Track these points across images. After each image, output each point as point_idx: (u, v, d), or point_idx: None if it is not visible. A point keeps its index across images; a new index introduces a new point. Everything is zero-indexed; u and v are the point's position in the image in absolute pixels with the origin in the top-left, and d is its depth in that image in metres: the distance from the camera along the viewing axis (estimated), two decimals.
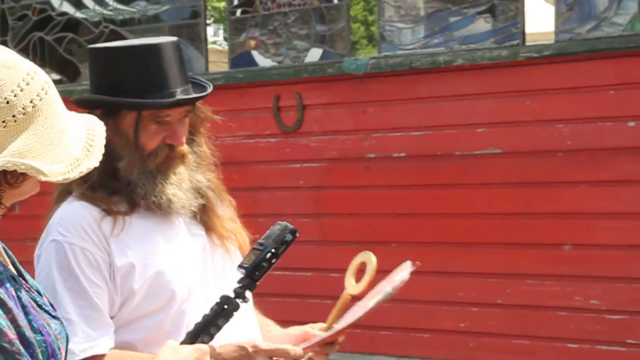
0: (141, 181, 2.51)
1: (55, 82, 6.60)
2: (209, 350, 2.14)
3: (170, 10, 5.93)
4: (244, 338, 2.49)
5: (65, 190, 2.55)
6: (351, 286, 2.73)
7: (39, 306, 1.84)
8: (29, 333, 1.76)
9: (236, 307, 2.24)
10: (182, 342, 2.15)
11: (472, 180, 4.81)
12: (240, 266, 2.39)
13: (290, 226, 2.39)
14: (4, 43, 6.47)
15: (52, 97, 1.79)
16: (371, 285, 2.69)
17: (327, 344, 2.67)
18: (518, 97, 4.70)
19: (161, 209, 2.51)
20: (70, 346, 2.26)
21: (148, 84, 2.50)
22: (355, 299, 2.71)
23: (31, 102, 1.75)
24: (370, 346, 5.08)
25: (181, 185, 2.52)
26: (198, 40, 5.71)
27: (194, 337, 2.22)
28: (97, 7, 6.09)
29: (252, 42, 5.52)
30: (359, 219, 5.12)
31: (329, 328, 2.68)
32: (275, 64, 5.45)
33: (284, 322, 2.73)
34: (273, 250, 2.33)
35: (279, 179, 5.36)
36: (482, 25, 4.88)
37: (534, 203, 4.68)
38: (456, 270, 4.86)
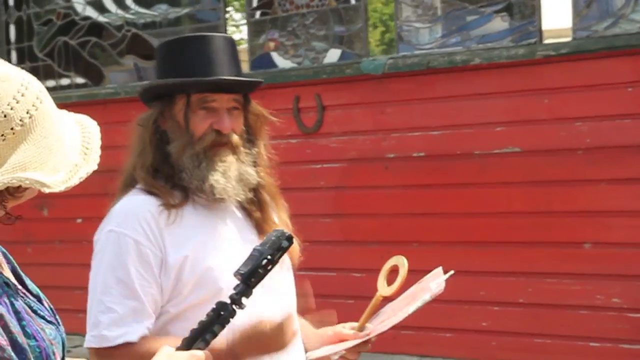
0: (187, 165, 2.54)
1: (80, 85, 6.63)
2: (204, 356, 2.08)
3: (191, 12, 5.90)
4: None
5: (130, 179, 2.60)
6: (383, 288, 2.78)
7: (34, 311, 1.81)
8: (21, 339, 1.73)
9: (232, 314, 2.17)
10: (178, 348, 2.09)
11: (491, 180, 4.74)
12: (236, 272, 2.37)
13: (287, 233, 2.30)
14: (30, 48, 6.49)
15: (47, 105, 1.76)
16: (403, 288, 2.75)
17: (360, 344, 2.72)
18: (536, 96, 4.62)
19: (205, 194, 2.54)
20: (105, 332, 2.41)
21: (195, 69, 2.54)
22: (386, 300, 2.77)
23: (27, 112, 1.73)
24: (392, 346, 5.02)
25: (226, 173, 2.55)
26: None
27: (189, 343, 2.18)
28: (119, 11, 6.07)
29: (272, 44, 5.47)
30: (380, 219, 5.07)
31: (361, 328, 2.73)
32: (294, 65, 5.40)
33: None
34: (269, 257, 2.25)
35: (300, 180, 5.31)
36: (499, 23, 4.80)
37: (553, 201, 4.60)
38: (477, 269, 4.79)
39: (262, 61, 5.51)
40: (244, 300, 2.21)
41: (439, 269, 2.90)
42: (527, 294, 4.66)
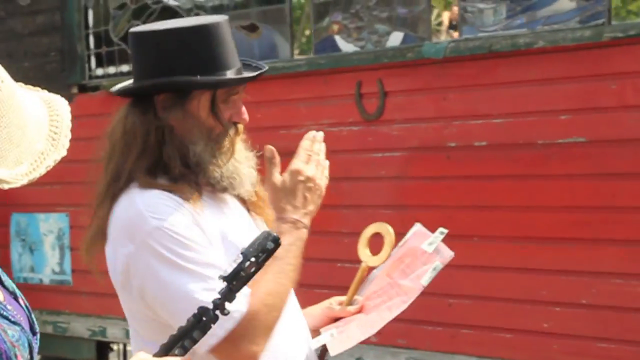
0: (217, 164, 2.39)
1: None
2: None
3: None
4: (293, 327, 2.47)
5: (125, 185, 2.39)
6: (368, 257, 2.66)
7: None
8: None
9: (214, 320, 2.01)
10: (155, 355, 1.93)
11: (555, 171, 4.33)
12: (220, 276, 2.11)
13: (273, 234, 2.16)
14: (106, 32, 6.34)
15: (7, 92, 1.62)
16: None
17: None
18: (603, 81, 4.18)
19: (234, 189, 2.42)
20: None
21: (216, 63, 2.38)
22: (371, 269, 2.62)
23: None
24: (450, 345, 4.68)
25: (247, 162, 2.45)
26: (283, 25, 5.38)
27: (167, 349, 1.98)
28: None
29: (335, 27, 5.16)
30: (440, 211, 4.70)
31: (349, 302, 2.60)
32: (357, 49, 5.07)
33: None
34: (253, 259, 2.10)
35: (361, 169, 5.00)
36: (567, 3, 4.36)
37: (620, 196, 4.16)
38: (538, 267, 4.39)
39: (325, 45, 5.19)
40: (227, 305, 2.04)
41: (419, 226, 2.79)
42: (591, 295, 4.24)
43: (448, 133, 4.66)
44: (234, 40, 2.45)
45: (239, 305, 2.26)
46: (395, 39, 4.94)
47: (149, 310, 2.35)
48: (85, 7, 6.43)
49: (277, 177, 2.45)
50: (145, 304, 2.34)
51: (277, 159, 2.48)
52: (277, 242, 2.10)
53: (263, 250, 2.09)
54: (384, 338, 4.89)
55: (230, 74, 2.40)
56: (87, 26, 6.42)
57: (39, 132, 1.66)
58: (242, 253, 2.10)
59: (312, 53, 5.32)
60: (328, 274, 5.08)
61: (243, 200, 2.54)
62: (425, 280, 2.60)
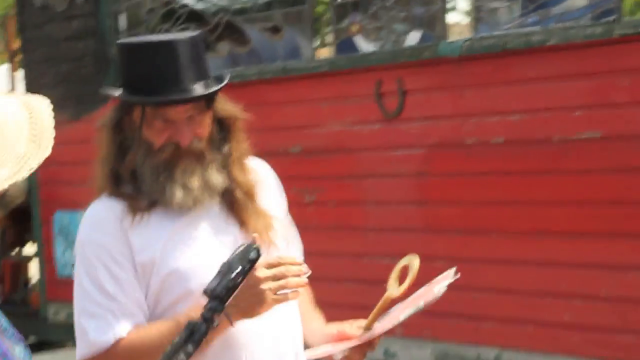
0: (146, 176, 2.42)
1: None
2: None
3: None
4: (281, 333, 2.47)
5: (99, 190, 2.48)
6: (393, 288, 2.64)
7: (4, 331, 1.74)
8: None
9: (204, 334, 2.08)
10: None
11: (571, 167, 4.28)
12: (205, 289, 2.18)
13: (255, 245, 2.22)
14: (137, 36, 6.35)
15: None
16: (412, 289, 2.57)
17: (365, 344, 2.59)
18: (615, 77, 4.11)
19: (163, 206, 2.43)
20: (93, 337, 2.33)
21: (155, 80, 2.38)
22: (396, 300, 2.60)
23: None
24: (474, 337, 4.65)
25: (187, 184, 2.41)
26: (305, 27, 5.36)
27: None
28: None
29: (355, 28, 5.13)
30: (460, 207, 4.68)
31: (368, 328, 2.60)
32: (376, 48, 5.04)
33: None
34: (239, 269, 2.17)
35: (383, 166, 4.97)
36: (578, 1, 4.30)
37: (636, 189, 4.10)
38: (557, 260, 4.34)
39: (345, 45, 5.17)
40: (215, 317, 2.11)
41: (451, 271, 2.66)
42: (609, 288, 4.19)
43: (466, 130, 4.62)
44: (194, 60, 2.38)
45: (108, 336, 2.35)
46: (413, 38, 4.90)
47: None
48: (117, 13, 6.45)
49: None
50: None
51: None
52: (258, 252, 2.17)
53: (248, 261, 2.15)
54: (410, 330, 4.87)
55: (168, 93, 2.38)
56: (118, 30, 6.45)
57: (18, 135, 1.65)
58: (226, 263, 2.14)
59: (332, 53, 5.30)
60: (353, 268, 5.08)
61: (233, 209, 2.53)
62: (403, 316, 2.54)
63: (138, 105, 2.40)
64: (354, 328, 2.59)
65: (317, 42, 5.41)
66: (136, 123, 2.41)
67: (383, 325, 2.55)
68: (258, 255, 2.17)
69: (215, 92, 2.42)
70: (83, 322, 2.38)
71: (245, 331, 2.38)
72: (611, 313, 4.20)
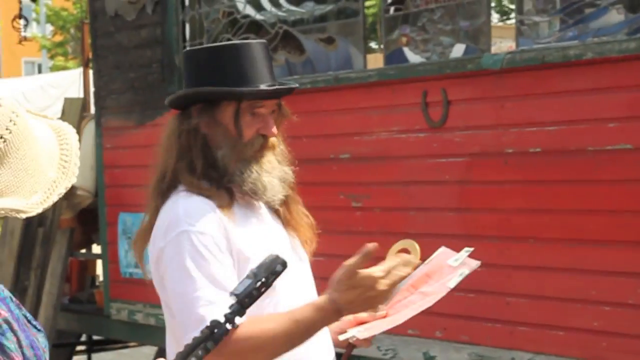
0: (239, 169, 2.60)
1: None
2: None
3: (334, 9, 5.83)
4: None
5: (171, 182, 2.65)
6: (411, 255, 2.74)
7: (29, 322, 1.83)
8: (28, 352, 1.75)
9: (226, 332, 2.21)
10: None
11: (604, 177, 4.42)
12: (232, 292, 2.34)
13: (281, 258, 2.35)
14: (201, 45, 6.62)
15: (21, 125, 1.71)
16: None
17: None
18: None
19: (257, 195, 2.61)
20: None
21: (244, 78, 2.59)
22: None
23: (1, 137, 1.68)
24: (509, 341, 4.81)
25: (274, 173, 2.63)
26: (357, 38, 5.58)
27: (182, 357, 2.22)
28: (273, 9, 6.10)
29: (404, 39, 5.34)
30: (499, 214, 4.85)
31: (375, 310, 2.71)
32: (423, 59, 5.24)
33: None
34: (263, 279, 2.30)
35: (427, 174, 5.16)
36: (615, 16, 4.46)
37: None
38: (588, 267, 4.49)
39: (395, 56, 5.38)
40: (237, 319, 2.25)
41: (444, 248, 2.85)
42: (637, 295, 4.32)
43: (506, 140, 4.79)
44: (268, 61, 2.66)
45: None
46: (459, 50, 5.09)
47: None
48: (183, 22, 6.72)
49: (355, 264, 2.51)
50: (167, 295, 2.59)
51: (369, 256, 2.53)
52: (285, 265, 2.30)
53: (273, 272, 2.28)
54: (448, 334, 5.06)
55: (251, 88, 2.61)
56: (184, 39, 6.72)
57: (50, 161, 1.74)
58: (253, 272, 2.28)
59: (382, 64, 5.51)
60: None
61: (278, 215, 2.76)
62: (452, 283, 2.73)
63: (230, 104, 2.61)
64: (369, 315, 2.73)
65: (368, 53, 5.62)
66: (225, 120, 2.62)
67: (395, 301, 2.67)
68: (283, 269, 2.29)
69: (294, 89, 2.70)
70: (200, 311, 2.46)
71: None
72: (638, 319, 4.33)
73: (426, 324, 4.83)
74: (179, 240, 2.53)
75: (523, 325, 4.76)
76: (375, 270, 2.49)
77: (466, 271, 2.75)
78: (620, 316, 4.38)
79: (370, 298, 2.50)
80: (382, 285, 2.48)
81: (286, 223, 2.76)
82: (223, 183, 2.63)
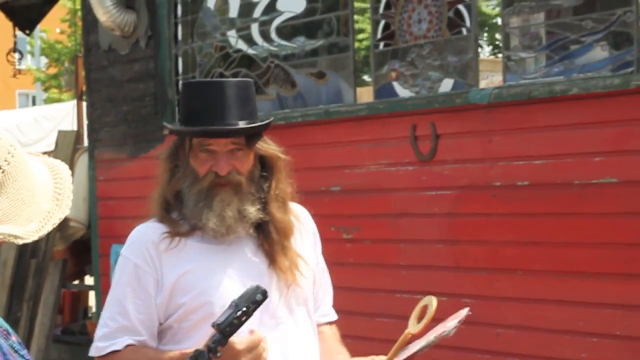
0: (190, 203, 2.68)
1: None
2: None
3: (325, 44, 5.90)
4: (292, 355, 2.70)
5: (152, 213, 2.78)
6: (412, 326, 2.80)
7: (16, 351, 1.87)
8: None
9: None
10: None
11: (590, 210, 4.48)
12: (214, 323, 2.42)
13: (262, 288, 2.43)
14: (193, 78, 6.68)
15: (18, 158, 1.78)
16: (429, 327, 2.76)
17: None
18: (632, 126, 4.32)
19: (201, 229, 2.68)
20: (97, 343, 2.68)
21: (196, 116, 2.67)
22: (414, 337, 2.78)
23: (0, 168, 1.75)
24: None
25: (222, 212, 2.65)
26: (348, 73, 5.64)
27: None
28: (265, 44, 6.16)
29: (393, 74, 5.40)
30: (488, 246, 4.89)
31: None
32: (412, 94, 5.30)
33: None
34: (244, 309, 2.38)
35: (416, 206, 5.21)
36: (599, 53, 4.52)
37: None
38: (576, 299, 4.53)
39: (384, 90, 5.44)
40: (219, 349, 2.37)
41: (464, 310, 2.87)
42: (624, 327, 4.36)
43: (494, 173, 4.85)
44: (240, 100, 2.66)
45: (107, 345, 2.67)
46: (447, 85, 5.15)
47: None
48: (176, 56, 6.77)
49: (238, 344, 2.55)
50: None
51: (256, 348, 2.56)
52: (265, 295, 2.39)
53: (253, 302, 2.38)
54: None
55: (191, 128, 2.67)
56: (177, 73, 6.78)
57: (45, 194, 1.82)
58: (234, 303, 2.38)
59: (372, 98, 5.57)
60: (387, 303, 5.30)
61: (264, 245, 2.78)
62: (416, 348, 2.73)
63: (187, 140, 2.69)
64: None
65: (358, 88, 5.68)
66: (185, 154, 2.70)
67: (402, 356, 2.73)
68: (264, 298, 2.39)
69: (255, 130, 2.68)
70: (98, 327, 2.72)
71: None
72: (625, 351, 4.37)
73: (417, 356, 4.85)
74: (117, 262, 2.74)
75: (512, 356, 4.80)
76: (238, 343, 2.51)
77: (432, 338, 2.77)
78: (608, 347, 4.42)
79: None
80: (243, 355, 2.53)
81: (271, 259, 2.75)
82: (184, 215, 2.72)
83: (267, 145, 2.75)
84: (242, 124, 2.66)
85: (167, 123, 5.13)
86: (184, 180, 2.71)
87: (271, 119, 2.78)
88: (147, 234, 2.71)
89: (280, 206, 2.74)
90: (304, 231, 2.85)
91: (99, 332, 2.71)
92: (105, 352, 2.67)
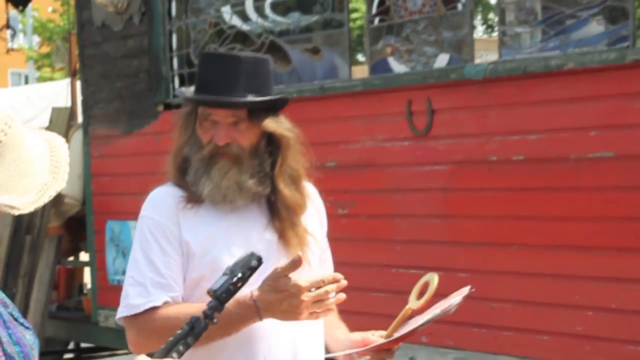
0: (192, 169, 2.71)
1: None
2: None
3: (320, 20, 5.86)
4: (298, 332, 2.68)
5: (168, 177, 2.79)
6: (413, 301, 2.80)
7: (15, 319, 1.89)
8: (9, 348, 1.80)
9: (205, 328, 2.28)
10: (154, 357, 2.17)
11: (585, 184, 4.46)
12: (209, 290, 2.39)
13: (257, 254, 2.41)
14: (188, 55, 6.65)
15: (16, 130, 1.78)
16: (430, 303, 2.75)
17: (384, 350, 2.75)
18: (627, 100, 4.30)
19: (199, 196, 2.69)
20: (132, 301, 2.62)
21: (205, 86, 2.69)
22: (415, 313, 2.77)
23: None
24: (494, 346, 4.84)
25: (220, 181, 2.67)
26: (343, 48, 5.61)
27: (164, 352, 2.24)
28: (259, 20, 6.12)
29: (389, 49, 5.37)
30: (482, 220, 4.88)
31: (388, 336, 2.75)
32: (408, 69, 5.27)
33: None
34: (240, 275, 2.36)
35: (412, 181, 5.19)
36: (595, 27, 4.50)
37: None
38: (571, 273, 4.53)
39: (379, 66, 5.41)
40: (216, 315, 2.31)
41: (466, 288, 2.83)
42: (619, 300, 4.36)
43: (489, 148, 4.83)
44: (249, 75, 2.62)
45: (145, 302, 2.63)
46: (442, 60, 5.12)
47: None
48: (170, 32, 6.73)
49: (285, 269, 2.54)
50: None
51: (299, 263, 2.54)
52: (260, 261, 2.37)
53: (248, 268, 2.36)
54: (434, 339, 5.08)
55: (196, 96, 2.70)
56: (171, 49, 6.73)
57: (42, 166, 1.83)
58: (229, 269, 2.36)
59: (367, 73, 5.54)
60: (382, 278, 5.29)
61: (274, 220, 2.76)
62: (422, 321, 2.71)
63: (196, 109, 2.72)
64: (375, 336, 2.76)
65: (353, 63, 5.64)
66: (194, 121, 2.73)
67: (402, 330, 2.73)
68: (259, 264, 2.36)
69: (254, 104, 2.64)
70: (128, 287, 2.67)
71: (265, 326, 2.61)
72: (620, 324, 4.37)
73: (418, 330, 4.85)
74: (138, 224, 2.71)
75: (508, 329, 4.79)
76: (303, 280, 2.51)
77: (438, 312, 2.75)
78: (603, 321, 4.42)
79: (290, 305, 2.51)
80: (305, 296, 2.50)
81: (281, 233, 2.74)
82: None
83: (276, 123, 2.71)
84: (249, 98, 2.64)
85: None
86: (191, 147, 2.73)
87: (277, 96, 2.73)
88: (165, 195, 2.72)
89: (288, 183, 2.72)
90: (316, 211, 2.85)
91: (130, 290, 2.66)
92: (143, 309, 2.62)
